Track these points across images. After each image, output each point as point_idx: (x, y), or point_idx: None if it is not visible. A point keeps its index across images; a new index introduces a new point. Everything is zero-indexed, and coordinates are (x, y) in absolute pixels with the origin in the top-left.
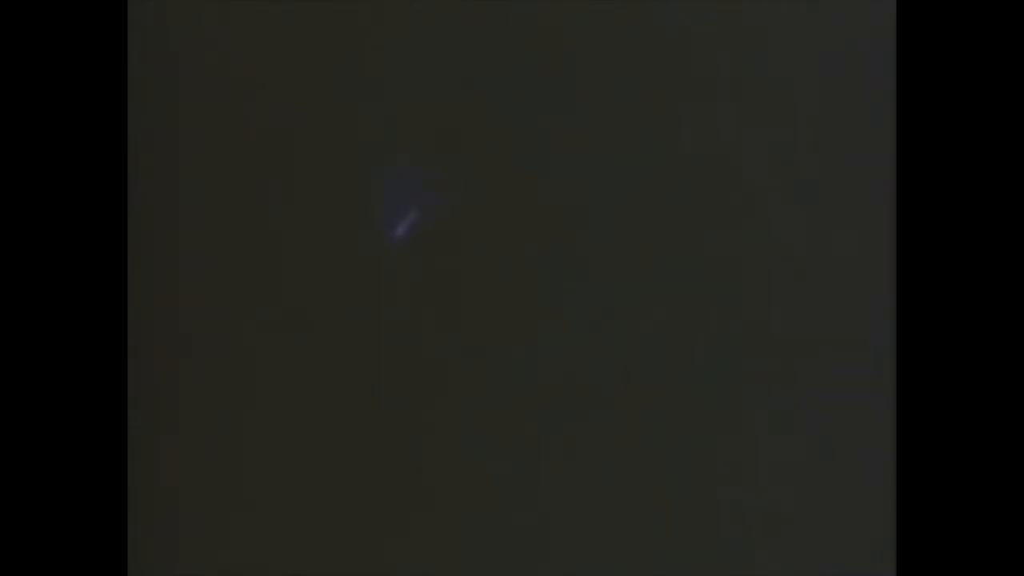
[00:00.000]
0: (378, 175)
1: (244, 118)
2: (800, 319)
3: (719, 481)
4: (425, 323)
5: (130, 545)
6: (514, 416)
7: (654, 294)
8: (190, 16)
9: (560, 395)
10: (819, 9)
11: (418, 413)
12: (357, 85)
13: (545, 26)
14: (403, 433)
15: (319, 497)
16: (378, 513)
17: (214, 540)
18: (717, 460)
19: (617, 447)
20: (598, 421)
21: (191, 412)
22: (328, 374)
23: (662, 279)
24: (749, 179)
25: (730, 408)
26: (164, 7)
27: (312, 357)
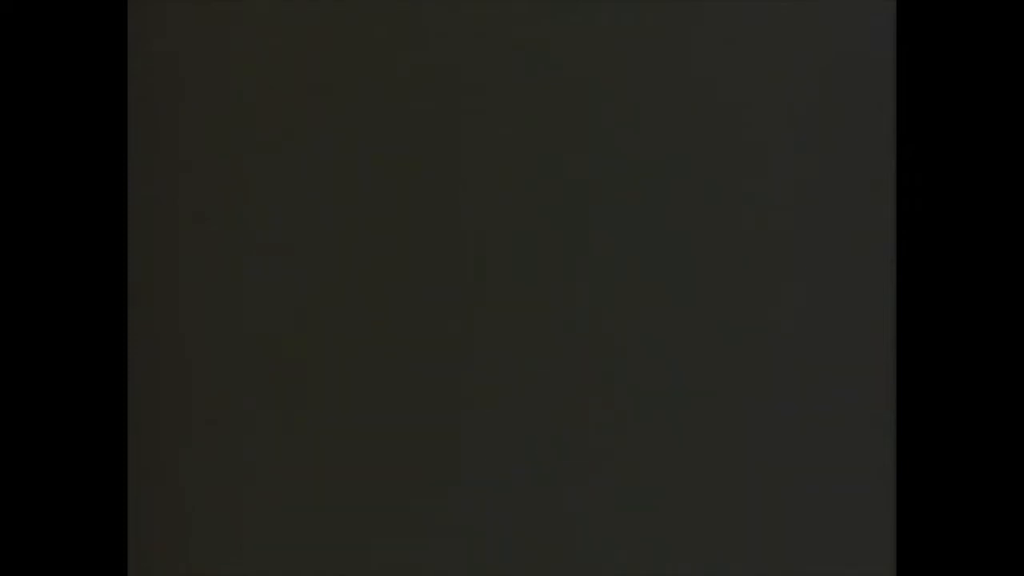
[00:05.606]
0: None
1: (244, 118)
2: (800, 319)
3: (719, 482)
4: (429, 325)
5: (130, 545)
6: (512, 416)
7: (653, 294)
8: (190, 16)
9: (558, 394)
10: (819, 9)
11: (420, 415)
12: (358, 85)
13: (544, 26)
14: (405, 434)
15: (319, 498)
16: (378, 515)
17: (214, 541)
18: (716, 460)
19: (615, 446)
20: (596, 421)
21: (191, 412)
22: (330, 374)
23: (661, 279)
24: (748, 179)
25: (730, 408)
26: (164, 7)
27: (313, 357)
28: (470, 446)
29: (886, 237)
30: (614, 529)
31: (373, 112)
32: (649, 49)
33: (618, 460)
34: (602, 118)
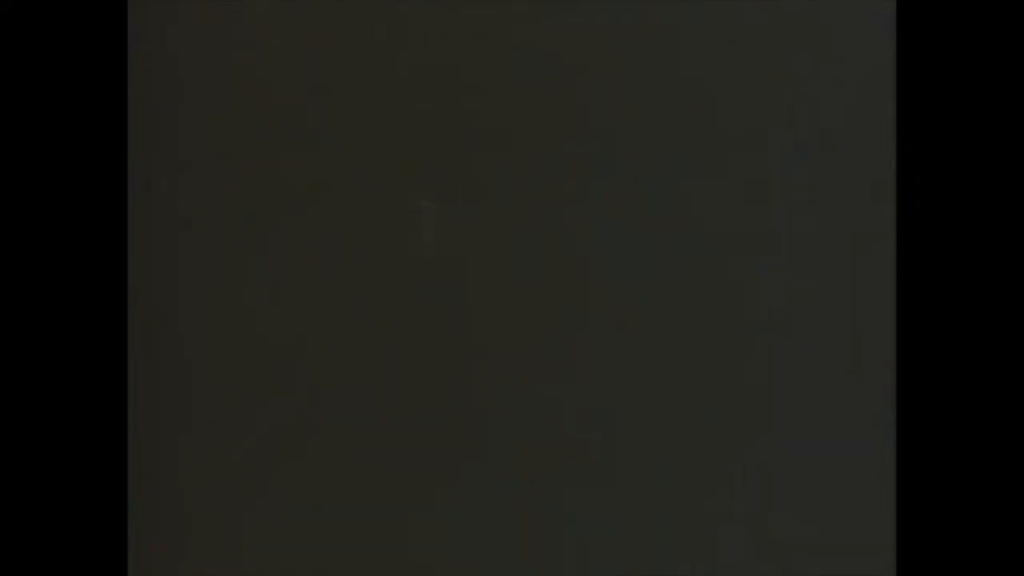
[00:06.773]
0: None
1: (244, 118)
2: (800, 319)
3: (719, 482)
4: (429, 325)
5: (130, 545)
6: (512, 416)
7: (652, 295)
8: (190, 16)
9: (557, 394)
10: (819, 9)
11: (420, 415)
12: (358, 85)
13: (544, 26)
14: (405, 434)
15: (319, 498)
16: (379, 515)
17: (214, 541)
18: (717, 460)
19: (615, 446)
20: (595, 421)
21: (191, 412)
22: (330, 374)
23: (660, 279)
24: (748, 179)
25: (730, 408)
26: (164, 7)
27: (313, 357)
28: (471, 446)
29: (886, 237)
30: (614, 529)
31: (373, 112)
32: (649, 49)
33: (618, 460)
34: (602, 118)
